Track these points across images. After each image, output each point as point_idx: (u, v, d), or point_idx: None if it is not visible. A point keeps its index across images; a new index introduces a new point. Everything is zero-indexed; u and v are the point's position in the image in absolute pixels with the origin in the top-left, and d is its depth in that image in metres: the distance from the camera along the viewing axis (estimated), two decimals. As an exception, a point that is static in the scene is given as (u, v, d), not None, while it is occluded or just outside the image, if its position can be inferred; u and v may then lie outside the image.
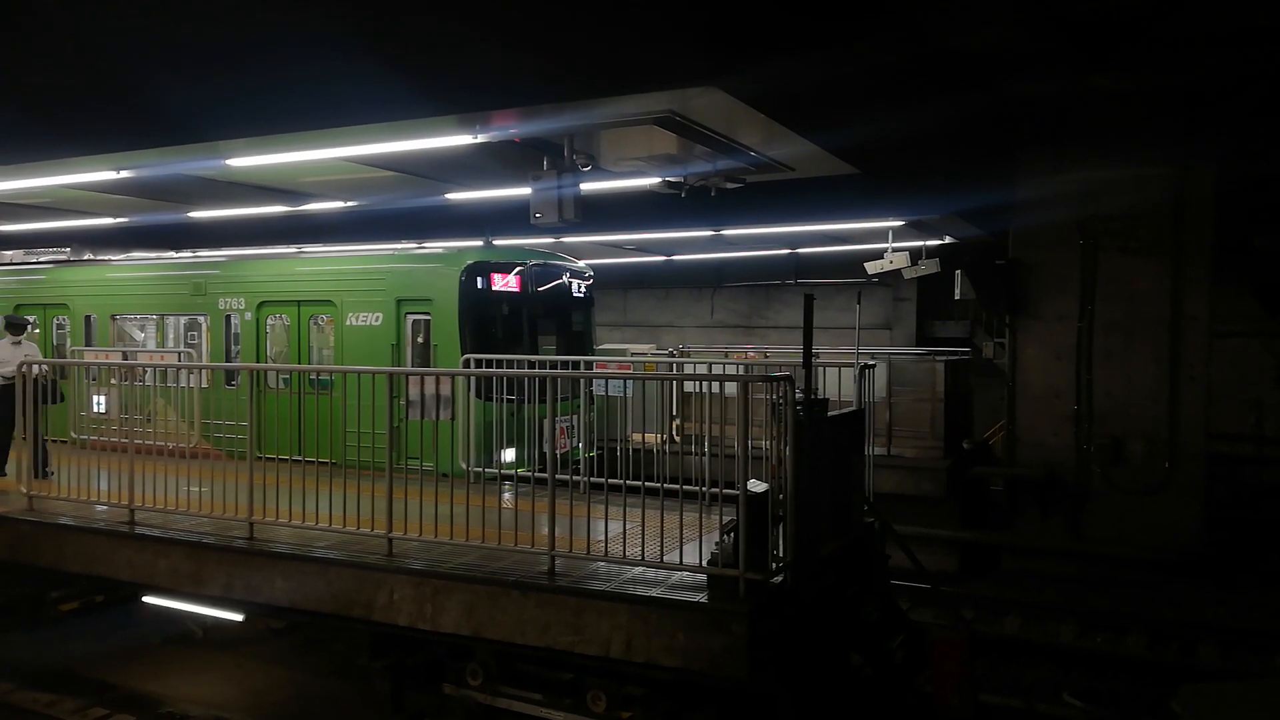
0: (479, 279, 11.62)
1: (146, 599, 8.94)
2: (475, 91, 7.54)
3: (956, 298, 15.95)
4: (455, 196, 12.80)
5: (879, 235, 16.14)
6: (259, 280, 13.18)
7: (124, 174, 10.61)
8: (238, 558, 7.93)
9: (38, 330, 15.29)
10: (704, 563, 6.61)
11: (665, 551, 6.82)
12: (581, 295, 13.12)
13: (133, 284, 14.61)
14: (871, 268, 15.90)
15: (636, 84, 7.34)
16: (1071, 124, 13.41)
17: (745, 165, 10.01)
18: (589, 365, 10.74)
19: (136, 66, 7.39)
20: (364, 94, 7.50)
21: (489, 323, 11.81)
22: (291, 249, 14.87)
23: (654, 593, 6.53)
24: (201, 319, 13.63)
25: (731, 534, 6.42)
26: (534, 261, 12.41)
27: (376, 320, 11.84)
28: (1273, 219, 14.17)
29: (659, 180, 10.67)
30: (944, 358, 15.67)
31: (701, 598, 6.42)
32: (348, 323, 12.03)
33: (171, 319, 14.12)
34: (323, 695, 9.67)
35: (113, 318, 14.40)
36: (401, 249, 13.01)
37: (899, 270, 15.75)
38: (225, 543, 8.05)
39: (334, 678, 9.79)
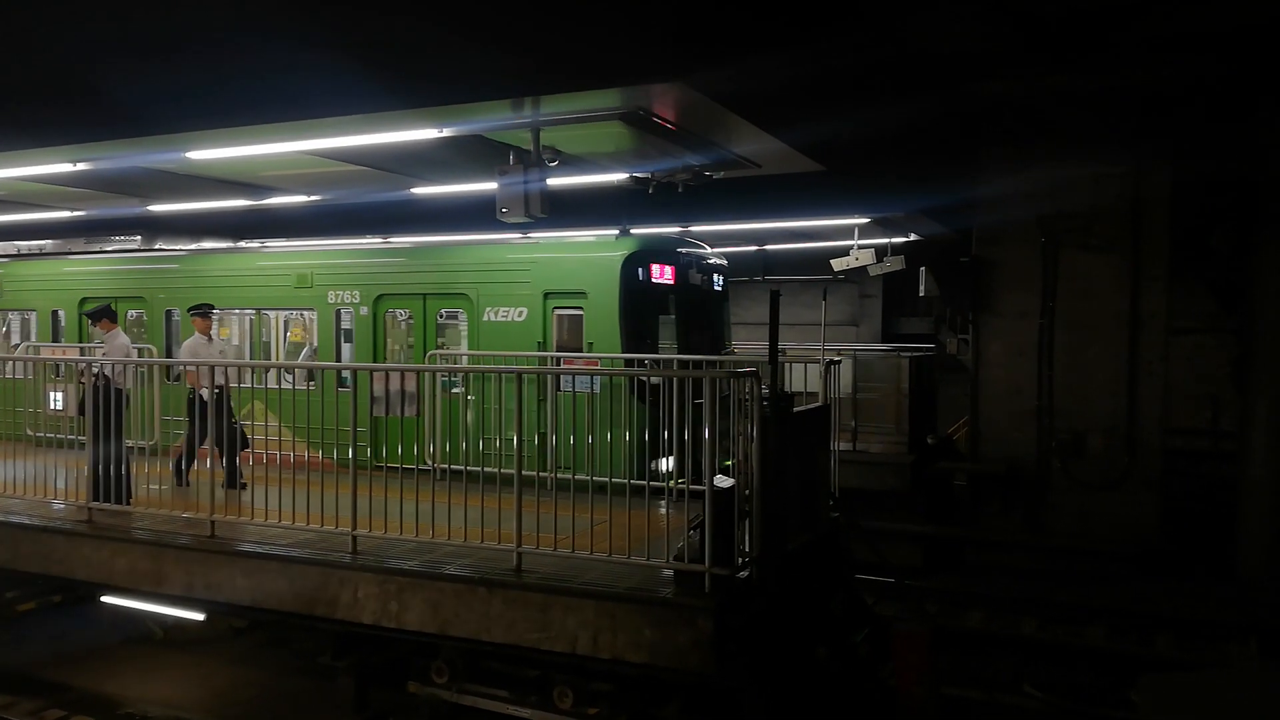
0: (639, 270, 10.53)
1: (105, 599, 8.80)
2: (438, 86, 7.49)
3: (921, 294, 16.19)
4: (421, 191, 12.68)
5: (845, 232, 16.26)
6: (378, 271, 12.01)
7: (81, 167, 10.41)
8: (198, 556, 7.82)
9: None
10: (671, 558, 6.62)
11: (632, 548, 6.81)
12: (720, 289, 12.06)
13: (223, 276, 13.08)
14: (838, 264, 16.02)
15: (603, 80, 7.33)
16: (1032, 123, 13.56)
17: (712, 161, 10.04)
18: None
19: (88, 57, 7.24)
20: (323, 87, 7.42)
21: (648, 318, 10.87)
22: (415, 239, 13.60)
23: (621, 588, 6.53)
24: (307, 314, 12.39)
25: (698, 529, 6.44)
26: (684, 250, 11.42)
27: (520, 315, 10.74)
28: (1228, 219, 14.43)
29: (626, 175, 10.66)
30: (909, 354, 15.80)
31: (668, 593, 6.43)
32: (485, 318, 10.95)
33: (271, 314, 12.68)
34: (285, 694, 9.56)
35: None
36: (546, 237, 11.97)
37: (865, 267, 15.91)
38: (185, 541, 7.93)
39: (297, 677, 9.68)
